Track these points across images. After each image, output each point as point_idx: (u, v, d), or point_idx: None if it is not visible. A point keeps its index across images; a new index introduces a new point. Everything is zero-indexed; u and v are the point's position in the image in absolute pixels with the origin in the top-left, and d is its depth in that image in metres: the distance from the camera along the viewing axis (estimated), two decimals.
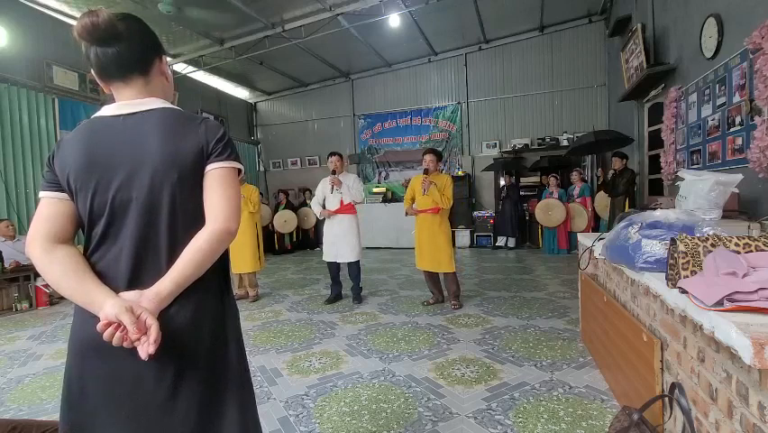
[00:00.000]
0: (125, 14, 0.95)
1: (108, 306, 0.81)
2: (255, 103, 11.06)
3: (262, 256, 4.88)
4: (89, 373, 0.90)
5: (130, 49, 0.94)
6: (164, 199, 0.92)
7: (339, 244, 4.31)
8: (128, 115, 0.95)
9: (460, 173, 8.75)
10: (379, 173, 10.00)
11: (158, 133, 0.93)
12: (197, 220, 0.94)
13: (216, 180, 0.95)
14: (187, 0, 5.88)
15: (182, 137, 0.94)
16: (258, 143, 11.00)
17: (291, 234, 9.09)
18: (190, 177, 0.94)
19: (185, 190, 0.93)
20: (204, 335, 0.94)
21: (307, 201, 9.59)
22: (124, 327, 0.79)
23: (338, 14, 6.65)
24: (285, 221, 8.87)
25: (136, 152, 0.92)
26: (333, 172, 4.31)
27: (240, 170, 1.01)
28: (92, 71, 0.96)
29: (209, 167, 0.95)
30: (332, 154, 4.39)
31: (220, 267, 1.00)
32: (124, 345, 0.80)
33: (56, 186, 0.94)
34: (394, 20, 7.12)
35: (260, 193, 9.80)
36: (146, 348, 0.79)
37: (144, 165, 0.91)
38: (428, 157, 4.06)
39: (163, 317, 0.86)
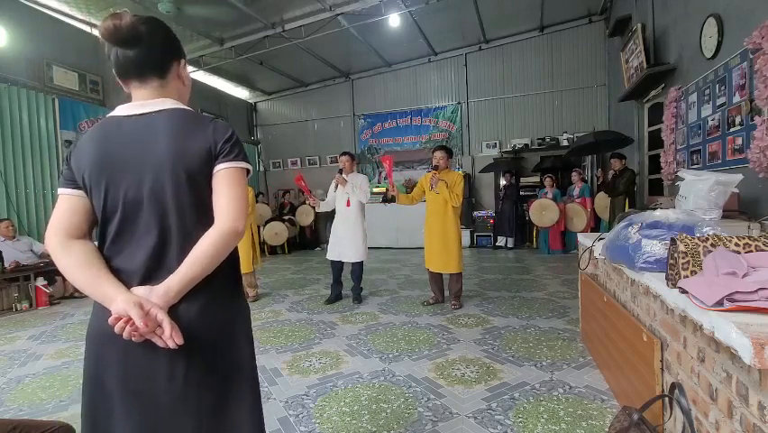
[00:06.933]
0: (149, 18, 0.98)
1: (119, 300, 0.85)
2: (255, 103, 11.06)
3: (258, 255, 4.86)
4: (105, 362, 0.94)
5: (149, 51, 0.97)
6: (173, 198, 0.94)
7: (344, 244, 4.30)
8: (140, 115, 0.98)
9: (460, 173, 8.75)
10: (380, 173, 10.00)
11: (167, 132, 0.95)
12: (206, 219, 0.96)
13: (224, 181, 0.97)
14: (188, 0, 5.89)
15: (191, 137, 0.96)
16: (258, 143, 10.99)
17: (283, 245, 8.82)
18: (199, 176, 0.96)
19: (193, 190, 0.95)
20: (213, 332, 0.97)
21: (307, 202, 9.54)
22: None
23: (338, 14, 6.66)
24: (276, 234, 8.47)
25: (146, 152, 0.94)
26: (341, 171, 4.30)
27: (248, 171, 1.03)
28: (113, 70, 0.99)
29: (217, 167, 0.97)
30: (342, 154, 4.40)
31: (229, 266, 1.01)
32: (134, 338, 0.85)
33: (72, 183, 0.97)
34: (394, 20, 7.12)
35: (261, 193, 9.84)
36: (169, 342, 0.86)
37: (154, 164, 0.94)
38: (438, 153, 4.03)
39: (172, 313, 0.90)
